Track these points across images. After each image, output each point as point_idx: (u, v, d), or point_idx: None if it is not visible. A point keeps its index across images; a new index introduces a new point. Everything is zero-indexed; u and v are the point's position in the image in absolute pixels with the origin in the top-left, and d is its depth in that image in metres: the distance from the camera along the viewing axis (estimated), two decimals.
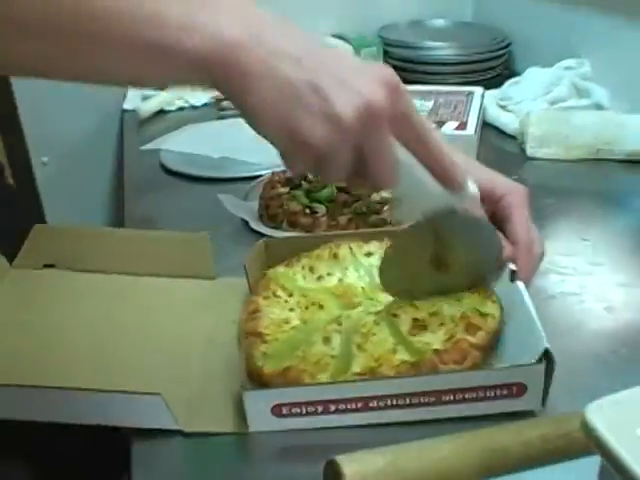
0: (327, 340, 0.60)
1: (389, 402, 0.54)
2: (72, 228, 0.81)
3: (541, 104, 1.17)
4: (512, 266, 0.61)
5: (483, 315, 0.60)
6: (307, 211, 0.86)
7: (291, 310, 0.65)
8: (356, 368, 0.57)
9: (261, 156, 1.11)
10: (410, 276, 0.63)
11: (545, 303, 0.70)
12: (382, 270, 0.64)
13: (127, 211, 0.99)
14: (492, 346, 0.59)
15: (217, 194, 0.92)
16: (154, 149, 1.18)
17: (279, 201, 0.89)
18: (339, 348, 0.60)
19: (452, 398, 0.54)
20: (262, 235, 0.84)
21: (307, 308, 0.65)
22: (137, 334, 0.67)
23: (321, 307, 0.65)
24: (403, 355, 0.57)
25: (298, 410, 0.53)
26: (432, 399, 0.54)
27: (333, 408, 0.54)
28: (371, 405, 0.54)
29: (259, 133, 0.49)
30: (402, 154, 0.52)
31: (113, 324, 0.69)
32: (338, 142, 0.47)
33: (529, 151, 1.08)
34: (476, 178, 0.61)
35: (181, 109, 1.42)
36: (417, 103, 1.17)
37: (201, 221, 0.92)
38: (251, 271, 0.68)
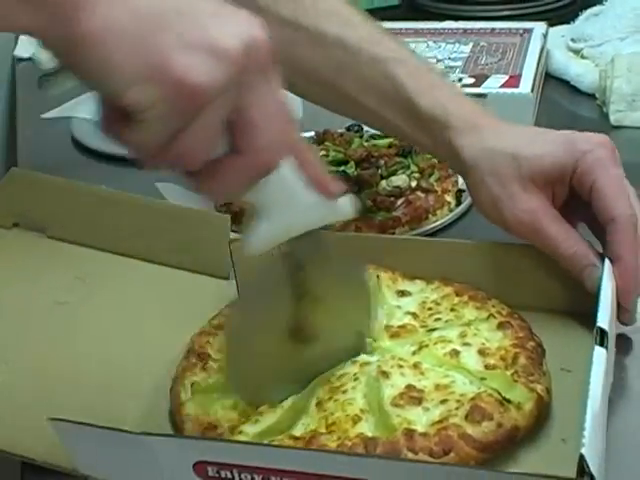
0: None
1: None
2: (58, 182, 0.89)
3: (634, 46, 1.18)
4: (602, 323, 0.61)
5: (504, 401, 0.61)
6: None
7: None
8: (297, 431, 0.60)
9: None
10: (262, 362, 0.64)
11: (635, 337, 0.71)
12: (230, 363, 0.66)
13: None
14: (504, 447, 0.60)
15: (154, 182, 0.94)
16: (62, 117, 1.19)
17: None
18: (292, 400, 0.62)
19: None
20: None
21: None
22: (95, 340, 0.73)
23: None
24: (365, 428, 0.59)
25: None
26: None
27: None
28: None
29: (102, 85, 0.50)
30: None
31: (74, 318, 0.76)
32: (221, 83, 0.49)
33: (614, 116, 1.09)
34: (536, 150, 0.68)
35: None
36: (449, 48, 1.19)
37: None
38: (242, 266, 0.72)
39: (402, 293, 0.73)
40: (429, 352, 0.66)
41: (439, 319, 0.70)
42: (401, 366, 0.64)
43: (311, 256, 0.62)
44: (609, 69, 1.11)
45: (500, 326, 0.68)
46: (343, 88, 0.80)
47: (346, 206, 0.62)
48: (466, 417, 0.59)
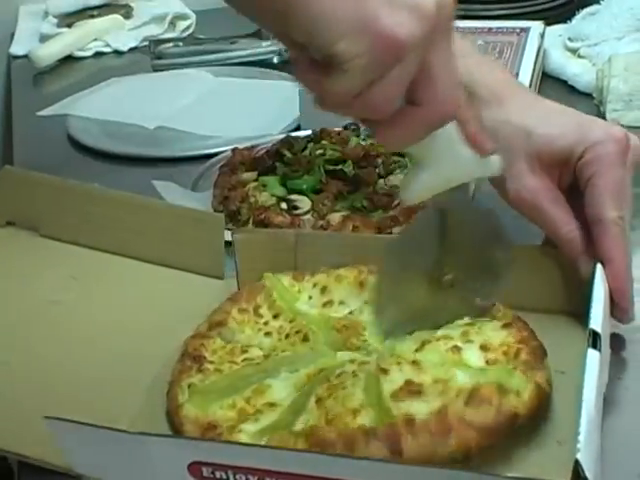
0: (285, 386, 0.63)
1: None
2: (51, 180, 0.88)
3: (631, 45, 1.18)
4: (595, 325, 0.61)
5: (502, 390, 0.61)
6: (283, 206, 0.88)
7: (267, 335, 0.69)
8: (299, 426, 0.60)
9: (217, 125, 1.13)
10: (406, 301, 0.68)
11: (631, 337, 0.71)
12: (377, 299, 0.68)
13: None
14: (505, 433, 0.60)
15: (151, 180, 0.94)
16: (58, 115, 1.19)
17: (242, 192, 0.90)
18: (292, 398, 0.63)
19: None
20: None
21: (287, 337, 0.69)
22: (90, 339, 0.73)
23: (305, 339, 0.68)
24: (365, 420, 0.59)
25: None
26: None
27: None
28: None
29: (315, 36, 0.54)
30: None
31: (68, 317, 0.76)
32: (419, 39, 0.54)
33: (610, 115, 1.09)
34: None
35: (98, 55, 1.44)
36: None
37: None
38: (246, 262, 0.73)
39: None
40: (432, 348, 0.66)
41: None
42: (399, 363, 0.64)
43: (459, 207, 0.66)
44: (606, 68, 1.11)
45: (505, 327, 0.68)
46: None
47: (495, 163, 0.65)
48: (466, 403, 0.60)
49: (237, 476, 0.54)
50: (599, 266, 0.67)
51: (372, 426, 0.59)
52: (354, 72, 0.54)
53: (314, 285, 0.74)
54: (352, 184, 0.90)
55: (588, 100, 1.15)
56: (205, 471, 0.55)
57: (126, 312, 0.76)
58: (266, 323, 0.71)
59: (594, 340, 0.60)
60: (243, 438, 0.59)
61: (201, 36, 1.48)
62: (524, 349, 0.65)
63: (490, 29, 1.23)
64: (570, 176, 0.72)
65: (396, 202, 0.87)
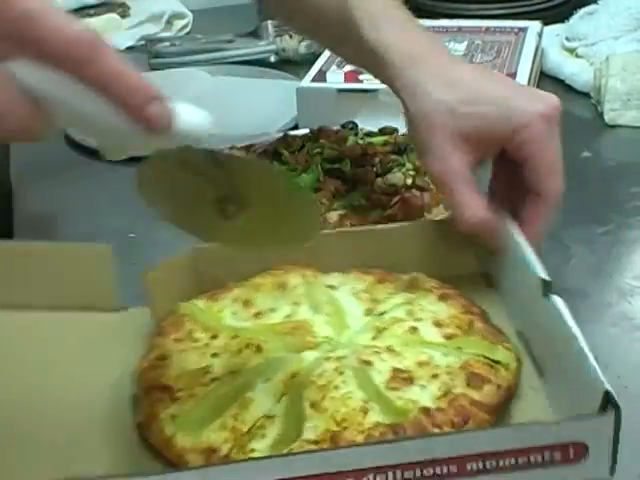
0: (266, 396, 0.62)
1: (388, 476, 0.54)
2: None
3: (628, 45, 1.18)
4: (543, 274, 0.65)
5: (492, 364, 0.63)
6: None
7: (214, 356, 0.67)
8: (310, 434, 0.58)
9: (215, 123, 1.12)
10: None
11: (630, 337, 0.71)
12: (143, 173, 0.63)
13: (15, 205, 1.00)
14: (505, 406, 0.62)
15: None
16: None
17: None
18: (284, 407, 0.62)
19: (481, 467, 0.54)
20: None
21: (239, 352, 0.67)
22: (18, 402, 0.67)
23: (259, 350, 0.67)
24: (377, 416, 0.59)
25: None
26: (453, 469, 0.54)
27: None
28: None
29: None
30: (38, 77, 0.52)
31: None
32: None
33: (608, 115, 1.09)
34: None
35: None
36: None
37: (122, 219, 0.94)
38: (160, 298, 0.71)
39: (331, 287, 0.73)
40: (390, 334, 0.67)
41: (379, 304, 0.71)
42: (377, 352, 0.65)
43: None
44: (604, 68, 1.11)
45: (441, 298, 0.71)
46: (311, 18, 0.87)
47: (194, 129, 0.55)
48: (467, 385, 0.61)
49: None
50: (516, 224, 0.71)
51: (390, 422, 0.59)
52: None
53: (234, 300, 0.72)
54: (350, 183, 0.90)
55: (585, 99, 1.16)
56: None
57: (39, 366, 0.71)
58: (207, 345, 0.68)
59: (547, 287, 0.64)
60: (256, 455, 0.58)
61: (198, 35, 1.47)
62: (474, 318, 0.68)
63: (488, 28, 1.23)
64: (496, 154, 0.73)
65: (394, 201, 0.87)
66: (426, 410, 0.59)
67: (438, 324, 0.68)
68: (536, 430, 0.55)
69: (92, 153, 1.09)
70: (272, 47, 1.36)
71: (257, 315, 0.71)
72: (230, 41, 1.39)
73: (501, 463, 0.54)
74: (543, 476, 0.55)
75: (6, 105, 0.51)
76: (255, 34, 1.39)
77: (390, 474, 0.53)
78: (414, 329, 0.67)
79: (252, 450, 0.58)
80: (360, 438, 0.57)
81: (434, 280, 0.73)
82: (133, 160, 1.06)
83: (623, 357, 0.69)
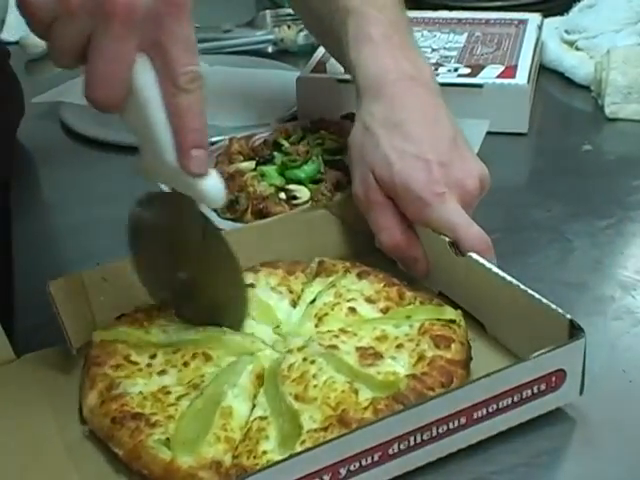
0: (243, 400, 0.62)
1: (410, 442, 0.57)
2: None
3: (629, 38, 1.18)
4: (446, 238, 0.70)
5: (448, 324, 0.67)
6: (282, 196, 0.87)
7: (161, 373, 0.65)
8: (311, 425, 0.59)
9: (212, 115, 1.11)
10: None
11: (635, 331, 0.71)
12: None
13: (12, 194, 0.99)
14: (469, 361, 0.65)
15: None
16: (51, 102, 1.18)
17: (240, 181, 0.89)
18: (269, 407, 0.62)
19: (485, 412, 0.59)
20: None
21: (186, 365, 0.66)
22: None
23: (208, 358, 0.66)
24: (368, 393, 0.61)
25: None
26: (462, 420, 0.58)
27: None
28: (390, 452, 0.57)
29: None
30: (146, 78, 0.58)
31: None
32: (58, 12, 0.54)
33: (609, 109, 1.09)
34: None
35: None
36: (444, 37, 1.18)
37: (122, 208, 0.93)
38: (71, 323, 0.68)
39: (251, 286, 0.73)
40: (333, 318, 0.69)
41: (302, 294, 0.73)
42: (336, 336, 0.66)
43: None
44: (604, 61, 1.11)
45: (359, 276, 0.73)
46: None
47: (212, 193, 0.61)
48: (436, 347, 0.64)
49: None
50: None
51: (386, 395, 0.60)
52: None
53: (161, 325, 0.70)
54: (350, 175, 0.89)
55: (585, 92, 1.15)
56: None
57: None
58: (150, 365, 0.66)
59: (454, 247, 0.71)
60: (272, 457, 0.58)
61: (196, 25, 1.46)
62: (401, 288, 0.71)
63: (488, 20, 1.23)
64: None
65: None
66: (415, 377, 0.61)
67: (370, 300, 0.70)
68: (524, 367, 0.59)
69: (87, 140, 1.09)
70: (270, 37, 1.36)
71: (188, 328, 0.69)
72: (228, 31, 1.39)
73: (500, 404, 0.59)
74: (534, 408, 0.61)
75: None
76: (253, 24, 1.38)
77: (412, 439, 0.57)
78: (352, 309, 0.69)
79: (264, 452, 0.58)
80: (368, 414, 0.58)
81: (341, 261, 0.75)
82: (132, 149, 1.06)
83: (627, 351, 0.69)
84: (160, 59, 0.58)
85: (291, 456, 0.55)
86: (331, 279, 0.73)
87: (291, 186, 0.89)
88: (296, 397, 0.61)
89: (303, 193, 0.88)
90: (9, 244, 0.90)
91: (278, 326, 0.70)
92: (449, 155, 0.73)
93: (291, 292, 0.73)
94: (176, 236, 0.66)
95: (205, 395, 0.63)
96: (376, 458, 0.56)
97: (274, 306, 0.72)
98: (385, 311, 0.70)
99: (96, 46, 0.56)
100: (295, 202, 0.87)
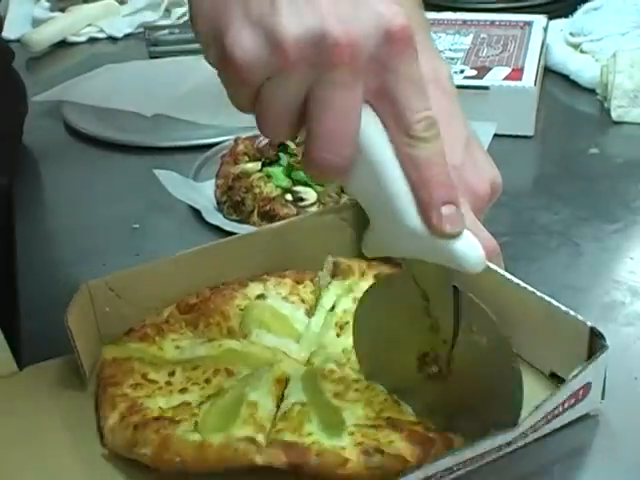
0: (266, 398, 0.61)
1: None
2: None
3: (635, 41, 1.18)
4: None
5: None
6: (289, 197, 0.87)
7: (182, 392, 0.63)
8: (353, 420, 0.59)
9: (218, 114, 1.11)
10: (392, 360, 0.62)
11: (636, 346, 0.71)
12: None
13: (15, 195, 0.98)
14: None
15: (151, 169, 0.92)
16: (53, 101, 1.17)
17: (247, 182, 0.89)
18: (305, 397, 0.61)
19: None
20: (222, 232, 0.85)
21: (208, 382, 0.64)
22: None
23: (230, 374, 0.64)
24: (407, 407, 0.61)
25: None
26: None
27: None
28: None
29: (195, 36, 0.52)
30: (374, 131, 0.51)
31: None
32: (272, 69, 0.49)
33: (616, 112, 1.09)
34: None
35: (93, 41, 1.42)
36: (449, 39, 1.18)
37: (126, 210, 0.93)
38: (84, 343, 0.65)
39: (261, 297, 0.71)
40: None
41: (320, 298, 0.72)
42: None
43: (434, 290, 0.57)
44: (611, 64, 1.11)
45: (376, 278, 0.72)
46: None
47: (469, 256, 0.52)
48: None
49: None
50: None
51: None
52: (221, 76, 0.51)
53: (172, 340, 0.68)
54: None
55: (591, 95, 1.15)
56: None
57: None
58: (169, 383, 0.64)
59: None
60: (317, 438, 0.57)
61: None
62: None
63: (493, 22, 1.22)
64: None
65: None
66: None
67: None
68: (561, 394, 0.58)
69: (90, 139, 1.09)
70: None
71: (203, 343, 0.68)
72: None
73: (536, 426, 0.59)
74: (560, 420, 0.60)
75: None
76: None
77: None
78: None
79: (310, 433, 0.57)
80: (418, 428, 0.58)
81: (356, 260, 0.73)
82: (130, 148, 1.05)
83: (639, 358, 0.68)
84: (388, 107, 0.51)
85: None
86: (348, 282, 0.72)
87: (298, 188, 0.88)
88: (335, 395, 0.61)
89: (310, 195, 0.87)
90: (12, 243, 0.90)
91: (299, 338, 0.68)
92: (461, 158, 0.72)
93: (303, 302, 0.71)
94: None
95: (228, 395, 0.61)
96: None
97: (290, 316, 0.70)
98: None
99: (320, 100, 0.49)
100: (302, 204, 0.86)
